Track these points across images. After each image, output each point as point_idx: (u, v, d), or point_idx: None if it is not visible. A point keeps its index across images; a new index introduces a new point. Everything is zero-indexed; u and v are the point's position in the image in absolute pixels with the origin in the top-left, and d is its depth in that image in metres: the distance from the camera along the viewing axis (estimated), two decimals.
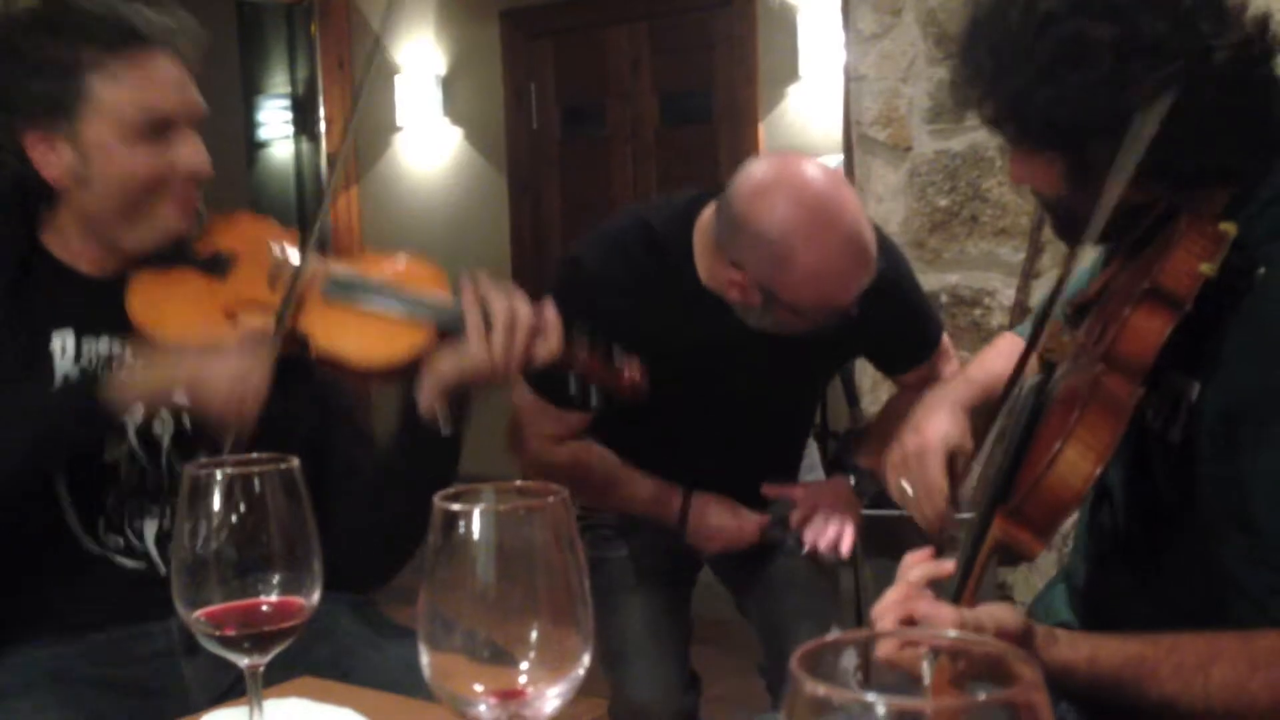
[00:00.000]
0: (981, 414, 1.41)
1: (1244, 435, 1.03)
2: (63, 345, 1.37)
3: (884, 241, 1.89)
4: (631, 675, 2.03)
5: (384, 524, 1.40)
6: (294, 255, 1.44)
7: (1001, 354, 1.51)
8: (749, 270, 1.66)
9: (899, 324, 1.89)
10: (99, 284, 1.40)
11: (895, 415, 1.98)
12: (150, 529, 1.38)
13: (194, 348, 1.31)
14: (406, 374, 1.38)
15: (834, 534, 1.89)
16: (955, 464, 1.31)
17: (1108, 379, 1.03)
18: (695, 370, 1.81)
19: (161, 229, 1.39)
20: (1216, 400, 1.06)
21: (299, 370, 1.37)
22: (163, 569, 1.37)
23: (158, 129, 1.36)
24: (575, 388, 1.39)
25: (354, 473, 1.44)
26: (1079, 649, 1.02)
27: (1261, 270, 1.06)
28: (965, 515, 1.20)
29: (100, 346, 1.38)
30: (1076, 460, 1.01)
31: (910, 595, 1.08)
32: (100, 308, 1.37)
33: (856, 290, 1.68)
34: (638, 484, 1.91)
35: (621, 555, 1.99)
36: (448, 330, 1.36)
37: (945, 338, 2.00)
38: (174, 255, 1.42)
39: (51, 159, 1.35)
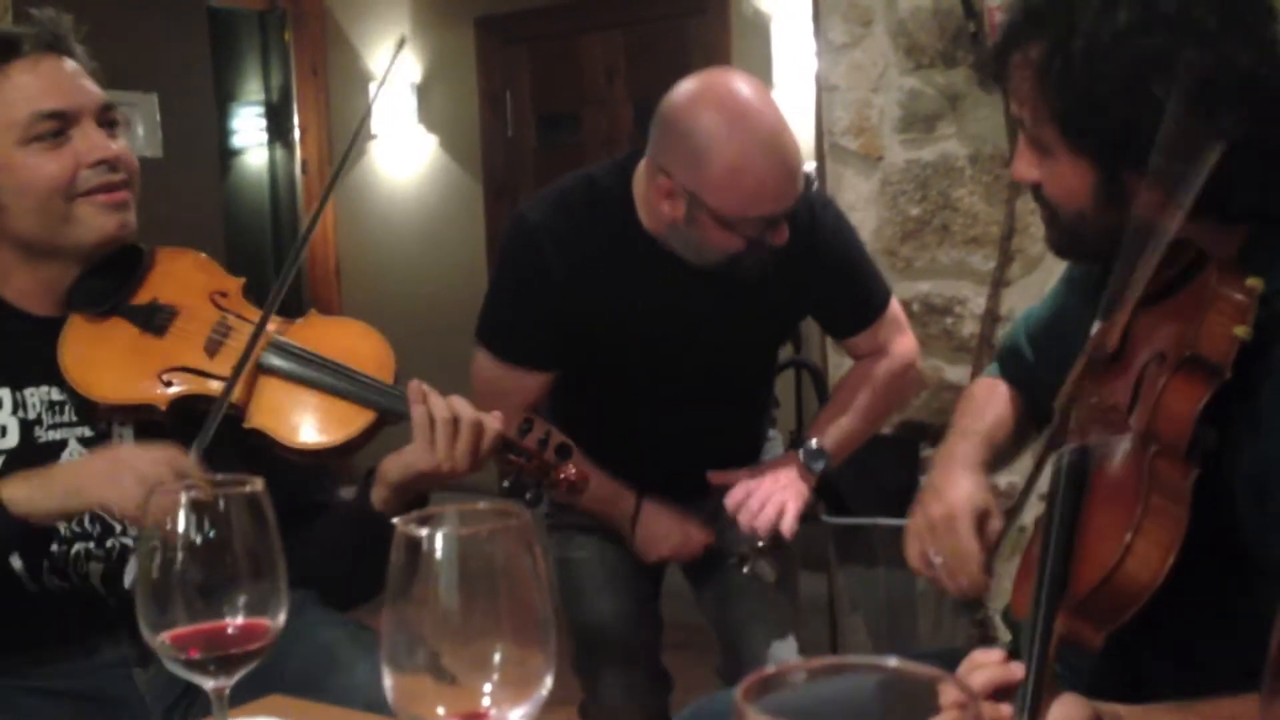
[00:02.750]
0: (991, 465, 1.37)
1: (1275, 495, 1.02)
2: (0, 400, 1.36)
3: (827, 202, 1.92)
4: (602, 675, 2.03)
5: (346, 561, 1.38)
6: (235, 320, 1.41)
7: (987, 400, 1.48)
8: (675, 175, 1.69)
9: (841, 282, 1.90)
10: (47, 324, 1.39)
11: (846, 390, 1.98)
12: (95, 572, 1.36)
13: (89, 460, 1.29)
14: (342, 454, 1.38)
15: (772, 513, 1.83)
16: (984, 526, 1.26)
17: (1162, 463, 1.00)
18: (642, 321, 1.82)
19: (94, 232, 1.38)
20: (1246, 459, 1.04)
21: (227, 432, 1.34)
22: (111, 602, 1.36)
23: (54, 130, 1.35)
24: (512, 483, 1.40)
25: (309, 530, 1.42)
26: None
27: None
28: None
29: (41, 394, 1.37)
30: (1147, 554, 0.98)
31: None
32: (45, 352, 1.36)
33: (778, 200, 1.69)
34: (593, 478, 1.89)
35: (588, 555, 1.99)
36: (388, 418, 1.37)
37: (896, 307, 1.98)
38: (110, 296, 1.40)
39: None
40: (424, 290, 5.41)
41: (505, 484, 1.39)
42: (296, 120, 5.89)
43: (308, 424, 1.37)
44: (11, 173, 1.34)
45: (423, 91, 5.51)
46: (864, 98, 2.91)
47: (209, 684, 0.86)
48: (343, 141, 5.77)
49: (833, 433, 1.94)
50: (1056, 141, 1.14)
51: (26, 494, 1.24)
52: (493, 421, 1.35)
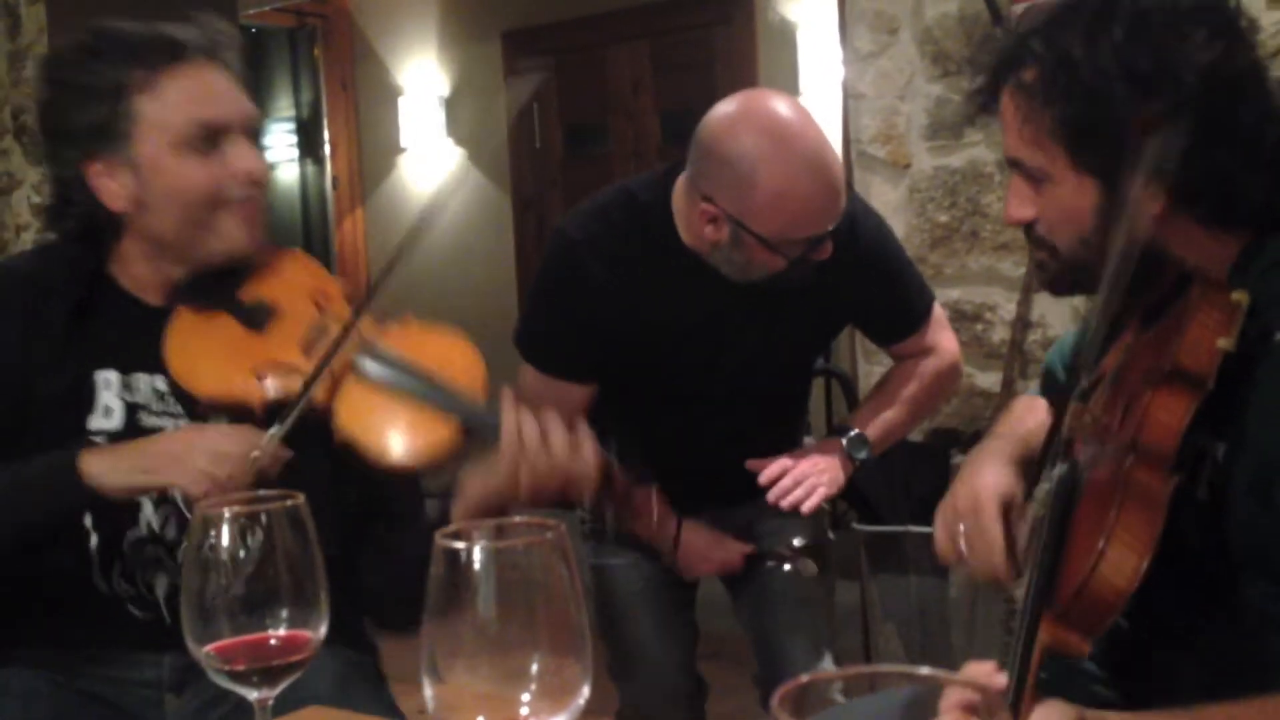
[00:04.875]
0: (1023, 465, 1.37)
1: (1276, 494, 1.03)
2: (107, 380, 1.38)
3: (867, 210, 1.91)
4: (639, 681, 2.04)
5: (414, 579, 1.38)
6: (333, 320, 1.41)
7: (1027, 410, 1.48)
8: (718, 200, 1.69)
9: (883, 290, 1.90)
10: (159, 314, 1.39)
11: (892, 384, 1.98)
12: (161, 584, 1.38)
13: (166, 438, 1.30)
14: (428, 468, 1.36)
15: (801, 494, 1.83)
16: (1010, 515, 1.27)
17: (1139, 472, 1.02)
18: (683, 333, 1.82)
19: (228, 243, 1.39)
20: (1246, 464, 1.05)
21: (315, 431, 1.32)
22: (169, 620, 1.36)
23: (209, 139, 1.36)
24: (591, 511, 1.36)
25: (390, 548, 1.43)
26: None
27: (1278, 336, 1.04)
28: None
29: (147, 381, 1.39)
30: (1120, 561, 1.00)
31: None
32: (154, 342, 1.36)
33: (823, 220, 1.69)
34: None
35: (625, 562, 2.00)
36: (476, 434, 1.33)
37: (939, 310, 1.98)
38: (218, 290, 1.40)
39: (112, 186, 1.36)
40: (453, 302, 5.43)
41: (581, 511, 1.35)
42: (327, 135, 5.95)
43: (389, 431, 1.34)
44: (161, 175, 1.36)
45: (450, 105, 5.56)
46: (891, 105, 2.91)
47: (253, 695, 0.88)
48: (373, 156, 5.82)
49: (876, 424, 1.95)
50: (1058, 160, 1.15)
51: (101, 467, 1.26)
52: (589, 454, 1.29)
